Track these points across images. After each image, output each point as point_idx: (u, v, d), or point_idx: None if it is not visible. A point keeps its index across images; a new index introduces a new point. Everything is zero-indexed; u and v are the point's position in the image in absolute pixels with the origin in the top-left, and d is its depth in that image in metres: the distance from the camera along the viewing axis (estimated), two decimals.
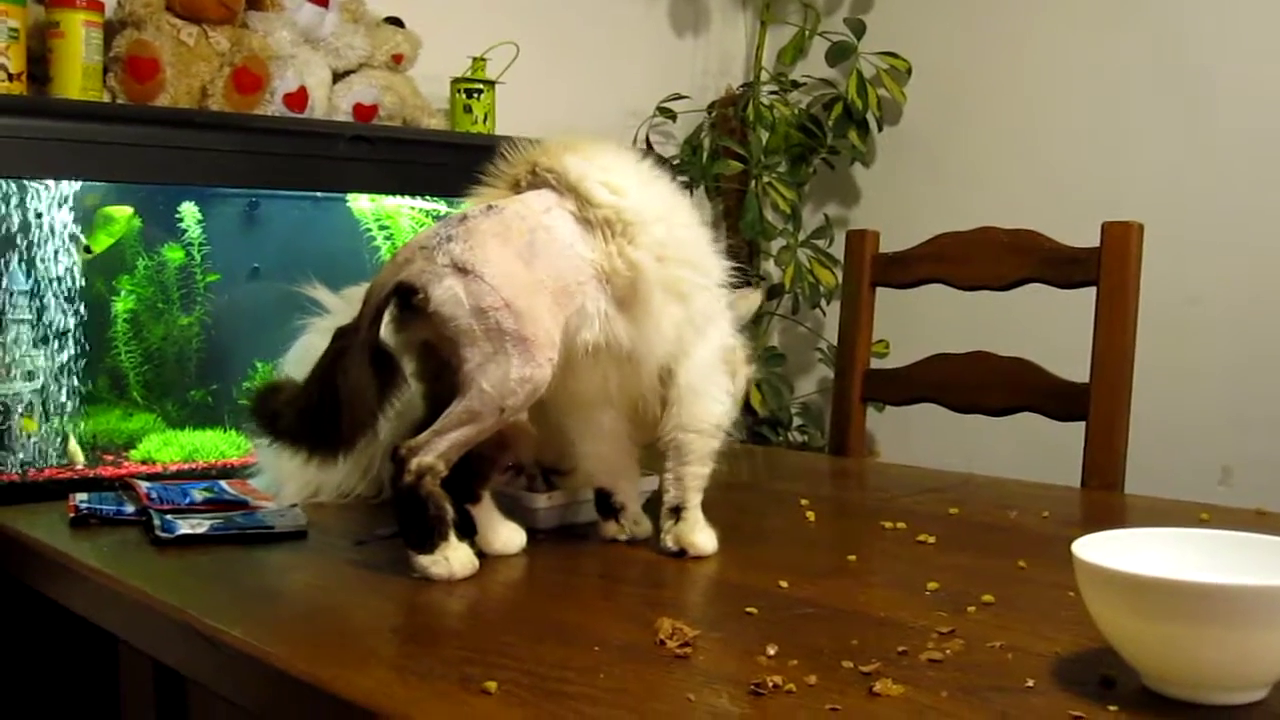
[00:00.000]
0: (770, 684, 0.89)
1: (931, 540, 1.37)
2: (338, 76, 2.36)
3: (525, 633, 1.05)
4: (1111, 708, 0.85)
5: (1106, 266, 1.82)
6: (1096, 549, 0.91)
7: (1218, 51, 2.55)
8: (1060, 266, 1.88)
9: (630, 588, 1.26)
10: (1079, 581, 0.90)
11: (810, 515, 1.50)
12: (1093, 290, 1.83)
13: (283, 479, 1.59)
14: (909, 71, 3.03)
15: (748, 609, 1.09)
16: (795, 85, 3.15)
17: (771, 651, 0.96)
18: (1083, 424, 1.80)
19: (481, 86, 2.53)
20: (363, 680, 0.92)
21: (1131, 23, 2.68)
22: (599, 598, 1.25)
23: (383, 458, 1.59)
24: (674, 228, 1.31)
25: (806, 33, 3.18)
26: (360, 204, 2.22)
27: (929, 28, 3.04)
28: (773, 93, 3.12)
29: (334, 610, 1.19)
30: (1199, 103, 2.57)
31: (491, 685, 0.89)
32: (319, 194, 2.20)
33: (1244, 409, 2.49)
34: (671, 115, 3.09)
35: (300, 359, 1.65)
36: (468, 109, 2.52)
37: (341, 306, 1.68)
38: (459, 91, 2.53)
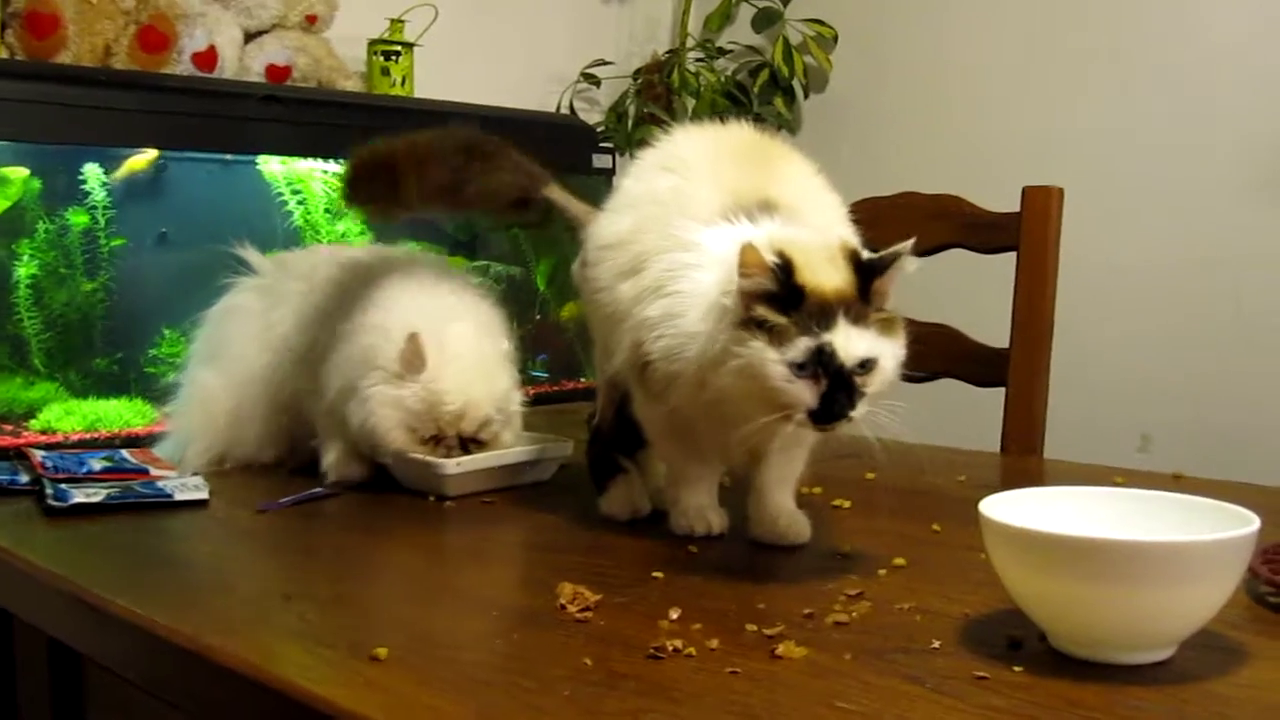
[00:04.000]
0: (670, 648, 0.86)
1: (847, 505, 1.36)
2: (250, 36, 2.29)
3: (423, 599, 1.03)
4: (1016, 668, 0.84)
5: (1027, 231, 1.81)
6: (1004, 507, 0.89)
7: (1142, 19, 2.55)
8: (981, 231, 1.86)
9: (537, 554, 1.24)
10: (985, 539, 0.89)
11: (725, 480, 1.48)
12: (1013, 255, 1.82)
13: (188, 443, 1.54)
14: (835, 39, 3.02)
15: (654, 573, 1.07)
16: (721, 52, 3.13)
17: (675, 615, 0.94)
18: (1002, 390, 1.80)
19: (400, 49, 2.47)
20: (249, 648, 0.89)
21: None
22: (504, 564, 1.23)
23: (292, 424, 1.55)
24: None
25: None
26: (271, 167, 2.15)
27: None
28: (699, 59, 3.09)
29: (229, 578, 1.16)
30: (1123, 70, 2.58)
31: (382, 651, 0.86)
32: (229, 156, 2.13)
33: (1164, 377, 2.51)
34: (596, 81, 3.05)
35: (225, 315, 1.60)
36: (385, 71, 2.46)
37: (270, 268, 1.63)
38: (376, 54, 2.47)
